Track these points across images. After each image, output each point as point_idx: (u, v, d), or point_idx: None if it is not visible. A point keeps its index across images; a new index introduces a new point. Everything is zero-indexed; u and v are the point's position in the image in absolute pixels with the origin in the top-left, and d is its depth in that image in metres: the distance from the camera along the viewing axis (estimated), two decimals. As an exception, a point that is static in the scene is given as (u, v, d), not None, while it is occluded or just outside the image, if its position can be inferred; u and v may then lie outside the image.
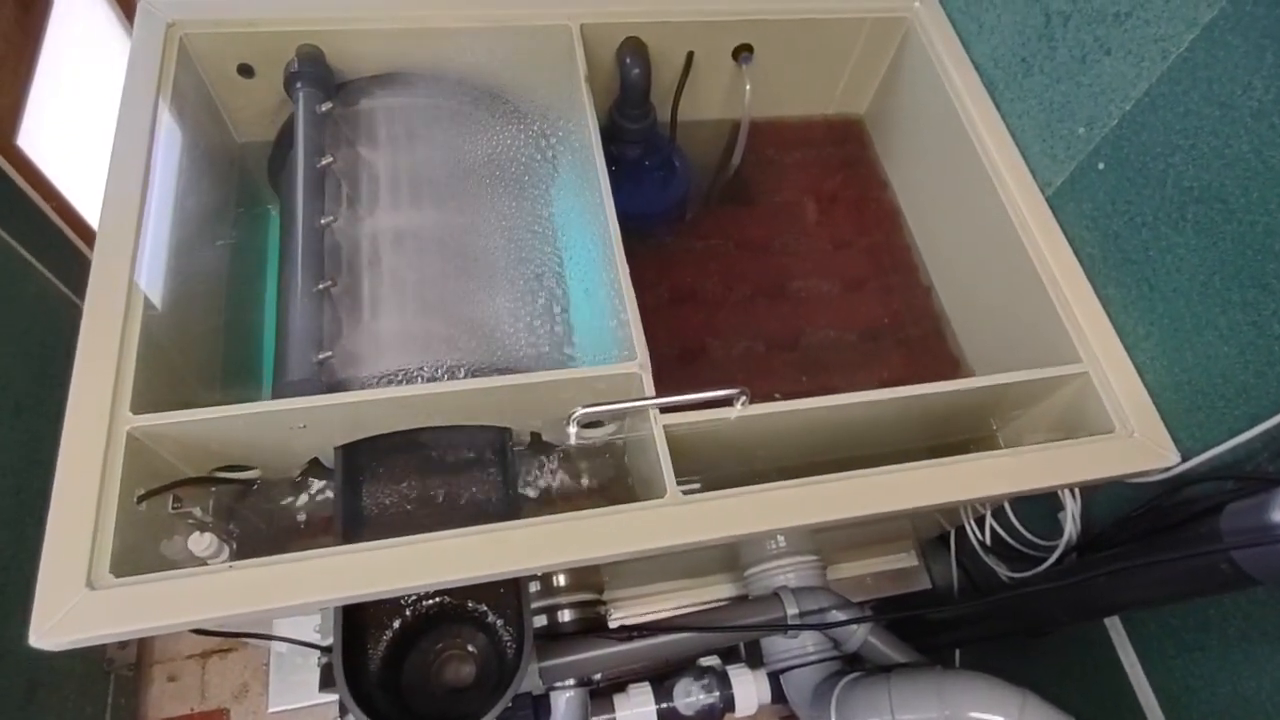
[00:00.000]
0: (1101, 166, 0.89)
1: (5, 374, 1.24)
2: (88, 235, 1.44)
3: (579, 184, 0.95)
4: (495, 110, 1.00)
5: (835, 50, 1.17)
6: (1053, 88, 0.94)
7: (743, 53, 1.12)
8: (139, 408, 0.70)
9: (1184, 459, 0.81)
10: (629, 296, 0.83)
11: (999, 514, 1.11)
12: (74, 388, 0.70)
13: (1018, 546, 1.08)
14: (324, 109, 0.96)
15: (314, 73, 0.96)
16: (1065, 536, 0.97)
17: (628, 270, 0.84)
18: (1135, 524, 0.90)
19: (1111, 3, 0.85)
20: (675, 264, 1.16)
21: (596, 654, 0.97)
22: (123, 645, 1.55)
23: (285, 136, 1.00)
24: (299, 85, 0.95)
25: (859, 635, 1.04)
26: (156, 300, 0.78)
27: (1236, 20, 0.71)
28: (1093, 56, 0.88)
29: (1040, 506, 1.05)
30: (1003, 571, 1.11)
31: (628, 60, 1.04)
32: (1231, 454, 0.78)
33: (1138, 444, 0.82)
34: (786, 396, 0.88)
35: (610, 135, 1.10)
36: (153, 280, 0.79)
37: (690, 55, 1.10)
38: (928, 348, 1.14)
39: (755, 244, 1.20)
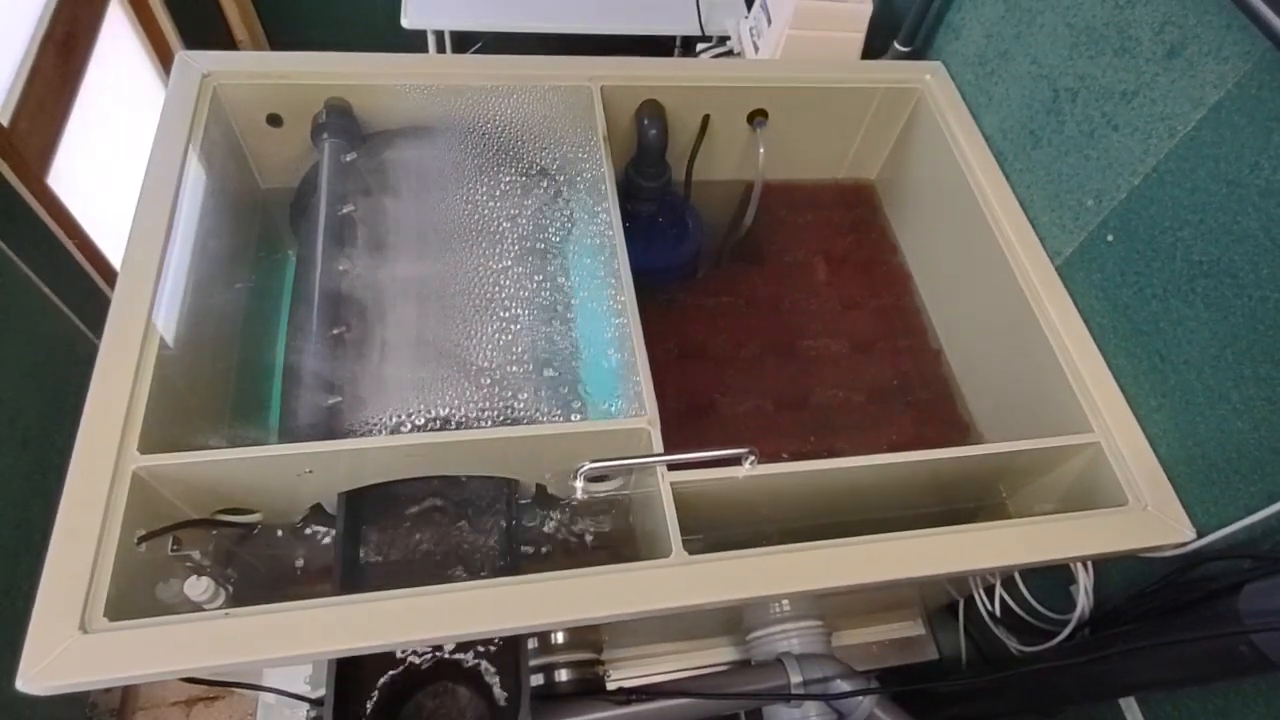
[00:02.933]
0: (1110, 238, 0.90)
1: (16, 406, 1.24)
2: (108, 274, 1.47)
3: (594, 239, 0.96)
4: (515, 165, 1.02)
5: (848, 118, 1.20)
6: (1061, 160, 0.96)
7: (757, 117, 1.15)
8: (146, 447, 0.70)
9: (1199, 535, 0.80)
10: (641, 352, 0.83)
11: (1009, 584, 1.08)
12: (84, 424, 0.70)
13: (1028, 619, 1.05)
14: (348, 159, 0.98)
15: (341, 124, 0.99)
16: (1078, 611, 0.95)
17: (640, 325, 0.85)
18: (1150, 600, 0.87)
19: (1119, 81, 0.87)
20: (685, 320, 1.17)
21: (593, 717, 0.94)
22: (107, 689, 1.51)
23: (308, 184, 1.03)
24: (325, 136, 0.98)
25: (865, 707, 1.00)
26: (171, 341, 0.79)
27: (1243, 102, 0.73)
28: (1100, 132, 0.90)
29: (1052, 578, 1.02)
30: (1013, 644, 1.08)
31: (645, 121, 1.06)
32: (1248, 532, 0.76)
33: (1152, 518, 0.81)
34: (794, 456, 0.87)
35: (626, 192, 1.12)
36: (169, 321, 0.80)
37: (706, 118, 1.13)
38: (937, 411, 1.14)
39: (765, 303, 1.21)
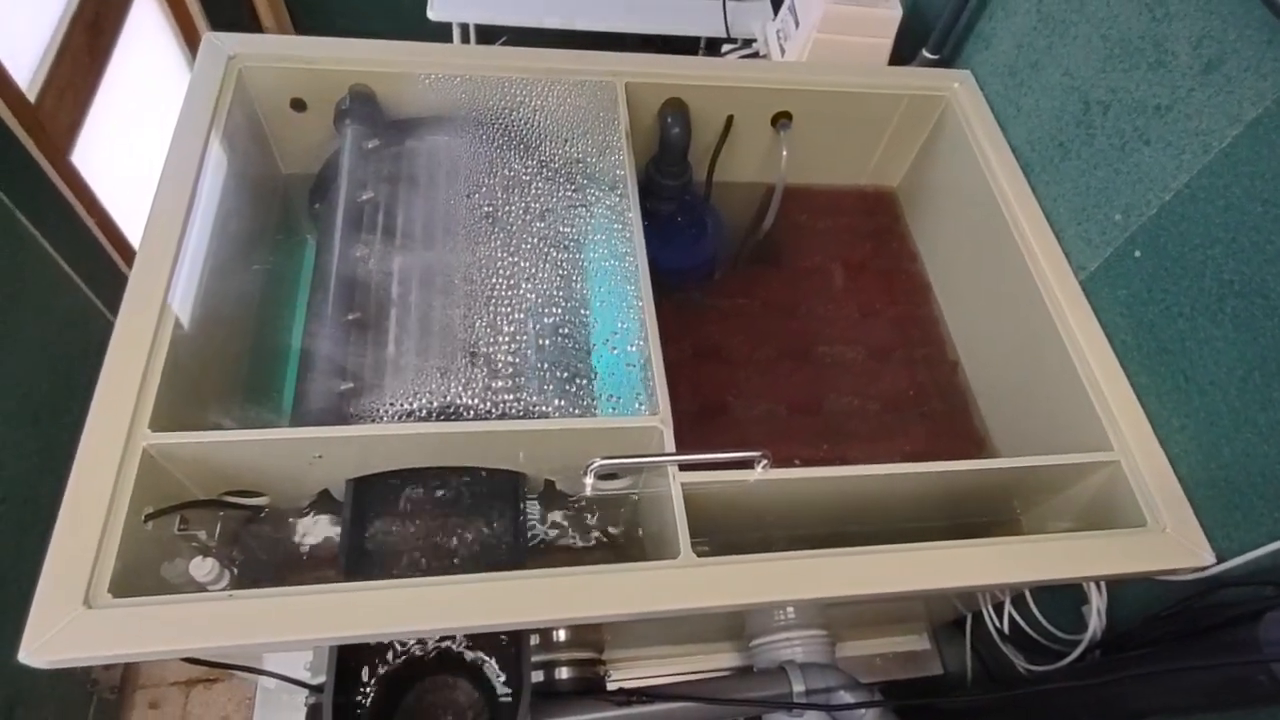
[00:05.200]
0: (1138, 254, 0.88)
1: (29, 382, 1.25)
2: (127, 253, 1.47)
3: (612, 235, 0.95)
4: (536, 159, 1.02)
5: (872, 123, 1.19)
6: (1090, 173, 0.95)
7: (781, 120, 1.14)
8: (157, 425, 0.70)
9: (1219, 560, 0.78)
10: (655, 350, 0.82)
11: (1019, 602, 1.07)
12: (96, 400, 0.70)
13: (1038, 638, 1.03)
14: (370, 146, 0.98)
15: (364, 111, 0.99)
16: (1089, 632, 0.93)
17: (656, 324, 0.84)
18: (1165, 624, 0.86)
19: (1152, 95, 0.85)
20: (701, 321, 1.16)
21: (592, 716, 0.93)
22: (108, 667, 1.51)
23: (329, 170, 1.03)
24: (348, 122, 0.98)
25: (867, 720, 0.99)
26: (187, 320, 0.79)
27: (1281, 120, 0.71)
28: (1132, 146, 0.88)
29: (1063, 597, 1.01)
30: (1021, 663, 1.07)
31: (669, 119, 1.06)
32: (1271, 559, 0.74)
33: (1170, 540, 0.79)
34: (806, 462, 0.86)
35: (646, 190, 1.11)
36: (185, 301, 0.80)
37: (730, 119, 1.12)
38: (952, 423, 1.12)
39: (782, 306, 1.20)
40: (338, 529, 0.81)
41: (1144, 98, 0.86)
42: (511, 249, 0.92)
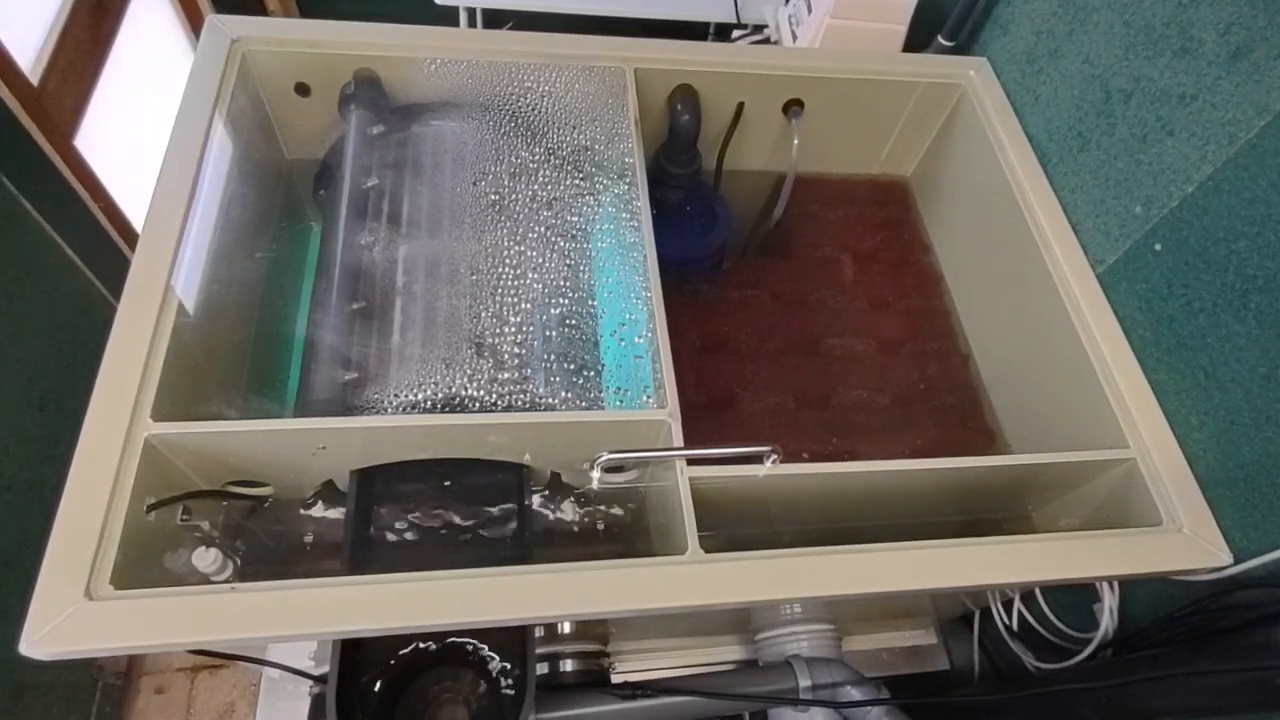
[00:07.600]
0: (1158, 247, 0.86)
1: (35, 367, 1.25)
2: (131, 238, 1.47)
3: (620, 225, 0.94)
4: (543, 146, 1.00)
5: (886, 112, 1.17)
6: (1109, 164, 0.92)
7: (793, 107, 1.12)
8: (160, 415, 0.69)
9: (1236, 560, 0.77)
10: (663, 343, 0.81)
11: (1028, 599, 1.06)
12: (98, 388, 0.69)
13: (1047, 635, 1.02)
14: (375, 132, 0.96)
15: (369, 96, 0.97)
16: (1101, 630, 0.92)
17: (664, 316, 0.83)
18: (1178, 624, 0.84)
19: (1176, 83, 0.83)
20: (709, 312, 1.14)
21: (597, 710, 0.92)
22: (115, 651, 1.52)
23: (333, 156, 1.01)
24: (353, 107, 0.96)
25: (874, 716, 0.98)
26: (190, 307, 0.78)
27: (1312, 110, 0.69)
28: (1154, 136, 0.86)
29: (1074, 595, 0.99)
30: (1029, 660, 1.06)
31: (678, 106, 1.04)
32: (1290, 560, 0.73)
33: (1186, 540, 0.78)
34: (815, 457, 0.85)
35: (654, 179, 1.09)
36: (189, 287, 0.79)
37: (741, 106, 1.10)
38: (963, 417, 1.11)
39: (791, 298, 1.18)
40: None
41: (1168, 86, 0.84)
42: (518, 238, 0.91)
